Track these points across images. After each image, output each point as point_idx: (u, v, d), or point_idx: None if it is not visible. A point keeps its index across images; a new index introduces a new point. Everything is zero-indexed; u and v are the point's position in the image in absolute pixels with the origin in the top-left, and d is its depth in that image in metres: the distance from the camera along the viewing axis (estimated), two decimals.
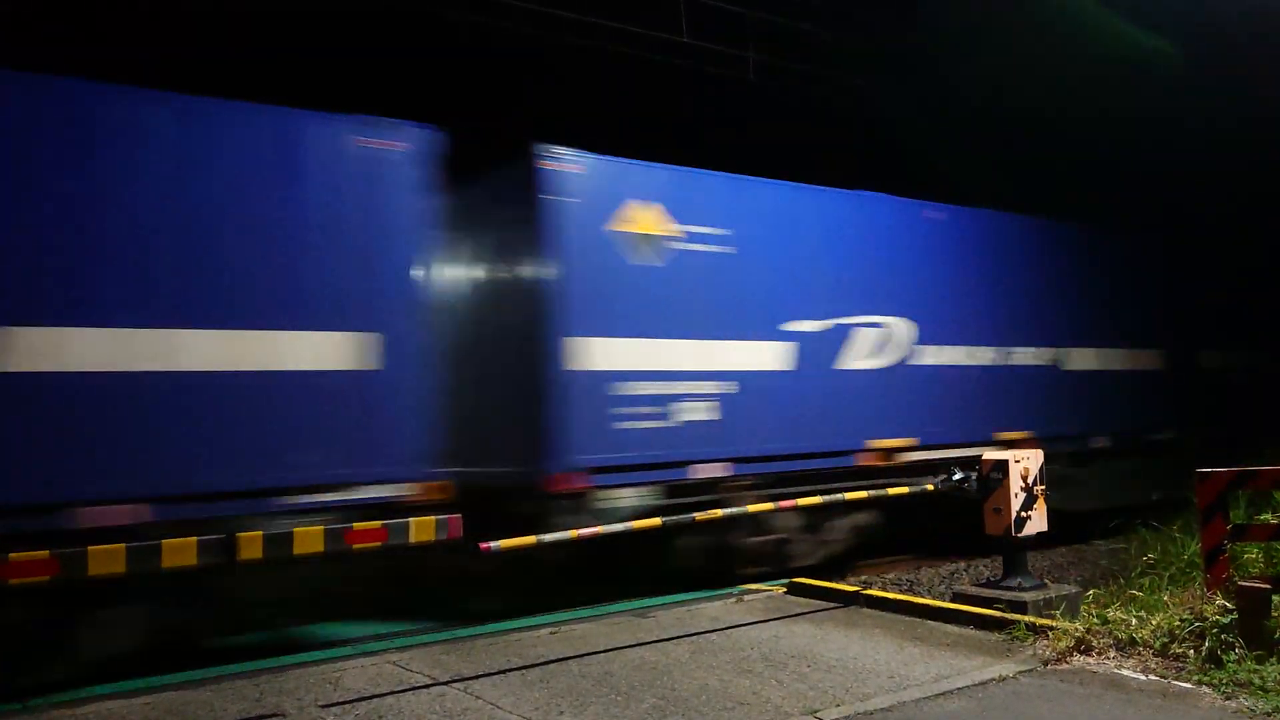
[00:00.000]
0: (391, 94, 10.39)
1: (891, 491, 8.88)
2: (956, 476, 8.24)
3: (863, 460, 10.39)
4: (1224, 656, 5.87)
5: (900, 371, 10.81)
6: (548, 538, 6.90)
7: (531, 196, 8.68)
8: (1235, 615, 6.03)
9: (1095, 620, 6.74)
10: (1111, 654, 6.35)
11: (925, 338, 11.06)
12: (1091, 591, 7.77)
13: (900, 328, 10.86)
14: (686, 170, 9.56)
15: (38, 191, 6.37)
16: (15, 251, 6.28)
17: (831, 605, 8.30)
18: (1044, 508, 7.99)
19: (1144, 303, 13.88)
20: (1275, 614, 5.94)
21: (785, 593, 8.94)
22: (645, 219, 9.02)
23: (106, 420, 6.47)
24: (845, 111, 16.14)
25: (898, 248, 11.06)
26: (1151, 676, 5.94)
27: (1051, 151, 17.04)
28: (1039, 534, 8.02)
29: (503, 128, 9.50)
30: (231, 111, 7.09)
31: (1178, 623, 6.33)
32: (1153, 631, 6.38)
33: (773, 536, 9.76)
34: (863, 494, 8.92)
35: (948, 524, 10.36)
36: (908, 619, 7.72)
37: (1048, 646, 6.54)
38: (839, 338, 10.34)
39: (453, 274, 9.53)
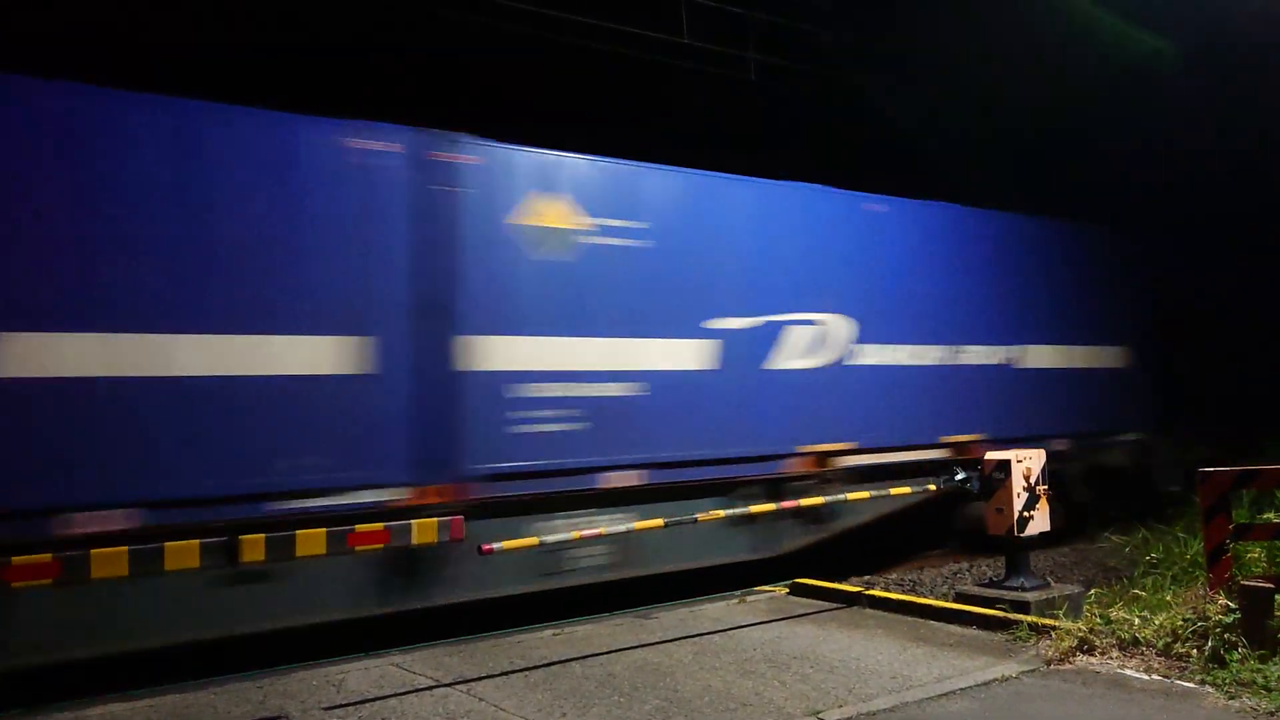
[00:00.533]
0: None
1: (894, 491, 8.88)
2: (959, 476, 8.23)
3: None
4: (1227, 656, 5.87)
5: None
6: (549, 539, 6.91)
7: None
8: (1238, 614, 6.03)
9: (1098, 620, 6.74)
10: (1114, 654, 6.35)
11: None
12: (1094, 591, 7.79)
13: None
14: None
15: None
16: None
17: (834, 606, 8.30)
18: (1046, 507, 7.99)
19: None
20: (1278, 613, 5.94)
21: (788, 593, 8.94)
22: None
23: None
24: (840, 106, 16.03)
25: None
26: (1154, 676, 5.94)
27: (1054, 151, 17.06)
28: (1041, 534, 8.01)
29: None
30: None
31: (1180, 622, 6.33)
32: (1155, 631, 6.38)
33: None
34: (865, 494, 8.92)
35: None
36: (910, 619, 7.72)
37: (1050, 646, 6.54)
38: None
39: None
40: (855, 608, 8.21)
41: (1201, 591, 6.67)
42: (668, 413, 9.08)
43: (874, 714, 5.51)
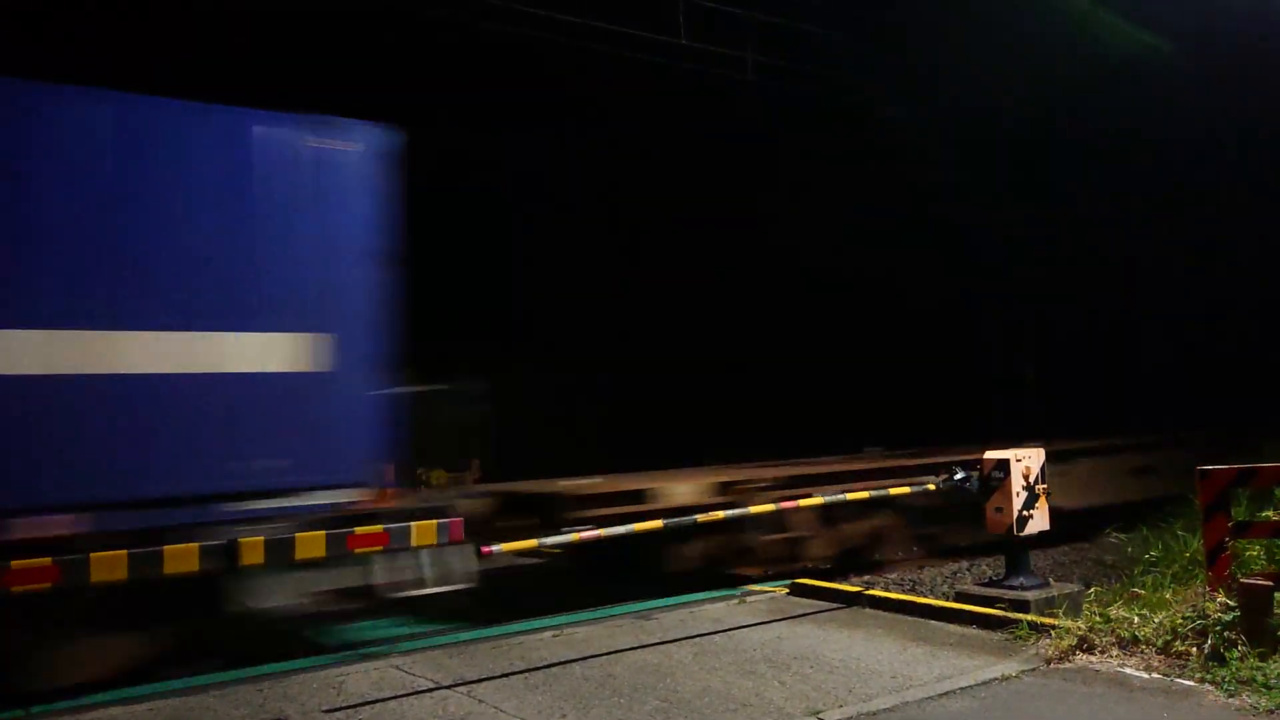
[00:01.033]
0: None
1: (893, 491, 8.88)
2: (958, 476, 8.23)
3: None
4: (1226, 654, 5.87)
5: None
6: (548, 540, 6.91)
7: None
8: (1237, 612, 6.03)
9: (1098, 619, 6.74)
10: (1114, 652, 6.35)
11: None
12: (1094, 590, 7.78)
13: None
14: None
15: None
16: None
17: (834, 606, 8.30)
18: (1046, 506, 7.99)
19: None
20: (1278, 611, 5.94)
21: (788, 593, 8.94)
22: None
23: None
24: None
25: None
26: (1154, 674, 5.94)
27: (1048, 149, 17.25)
28: (1041, 532, 8.01)
29: None
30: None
31: (1180, 620, 6.34)
32: (1155, 629, 6.38)
33: None
34: (864, 494, 8.92)
35: None
36: (910, 619, 7.72)
37: (1050, 645, 6.54)
38: None
39: None
40: (855, 607, 8.21)
41: (1201, 589, 6.67)
42: None
43: (874, 714, 5.51)
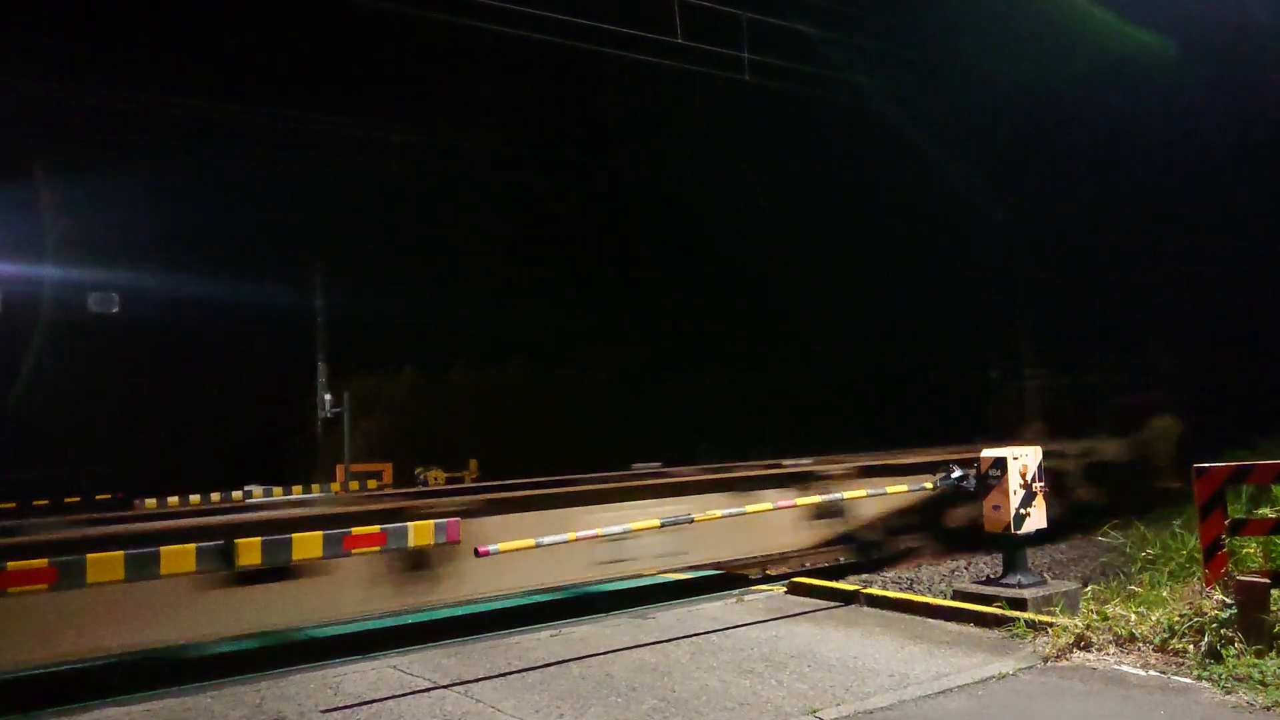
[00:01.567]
0: None
1: (890, 490, 8.88)
2: (955, 474, 8.23)
3: None
4: (1223, 651, 5.87)
5: None
6: (546, 540, 6.90)
7: None
8: (1234, 610, 6.03)
9: (1095, 616, 6.74)
10: (1111, 650, 6.35)
11: None
12: (1091, 588, 7.79)
13: None
14: None
15: None
16: None
17: (832, 604, 8.30)
18: (1044, 505, 7.99)
19: None
20: (1274, 608, 5.95)
21: (786, 592, 8.94)
22: None
23: None
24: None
25: None
26: (1151, 672, 5.94)
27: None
28: (1038, 530, 8.02)
29: None
30: None
31: (1177, 618, 6.34)
32: (1152, 627, 6.38)
33: None
34: (861, 493, 8.93)
35: None
36: (908, 617, 7.72)
37: (1047, 643, 6.54)
38: None
39: None
40: (853, 606, 8.21)
41: (1198, 587, 6.67)
42: None
43: (872, 712, 5.51)
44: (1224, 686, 5.54)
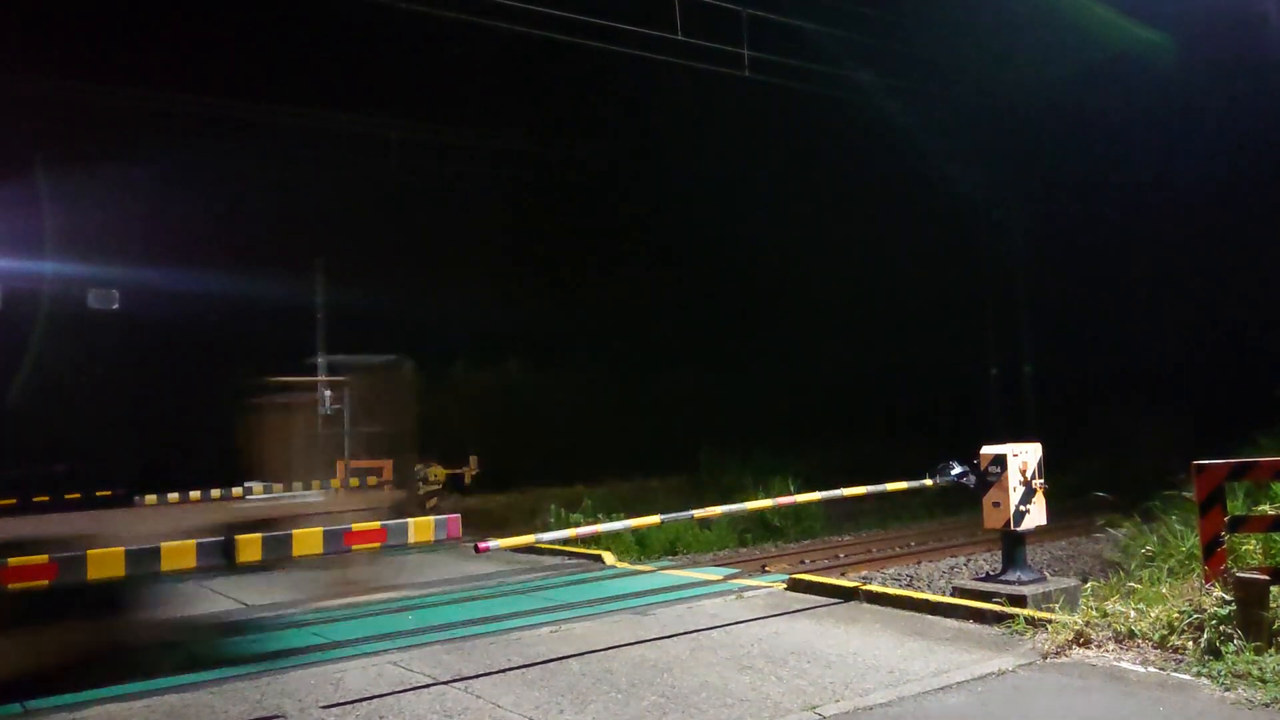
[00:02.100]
0: None
1: (890, 487, 8.88)
2: (954, 471, 8.23)
3: None
4: (1222, 648, 5.88)
5: None
6: (545, 536, 6.91)
7: None
8: (1234, 606, 6.03)
9: (1094, 613, 6.75)
10: (1110, 646, 6.36)
11: None
12: (1090, 584, 7.79)
13: None
14: None
15: None
16: None
17: (831, 601, 8.31)
18: (1043, 501, 8.00)
19: None
20: (1274, 605, 5.95)
21: (785, 589, 8.95)
22: None
23: None
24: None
25: None
26: (1150, 668, 5.95)
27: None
28: (1038, 527, 8.02)
29: None
30: None
31: (1176, 615, 6.34)
32: (1151, 624, 6.39)
33: None
34: (861, 490, 8.92)
35: None
36: (907, 614, 7.73)
37: (1047, 640, 6.55)
38: None
39: None
40: (852, 602, 8.22)
41: (1197, 584, 6.67)
42: None
43: (871, 708, 5.52)
44: (1223, 683, 5.54)
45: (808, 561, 11.46)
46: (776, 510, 13.48)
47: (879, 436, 19.73)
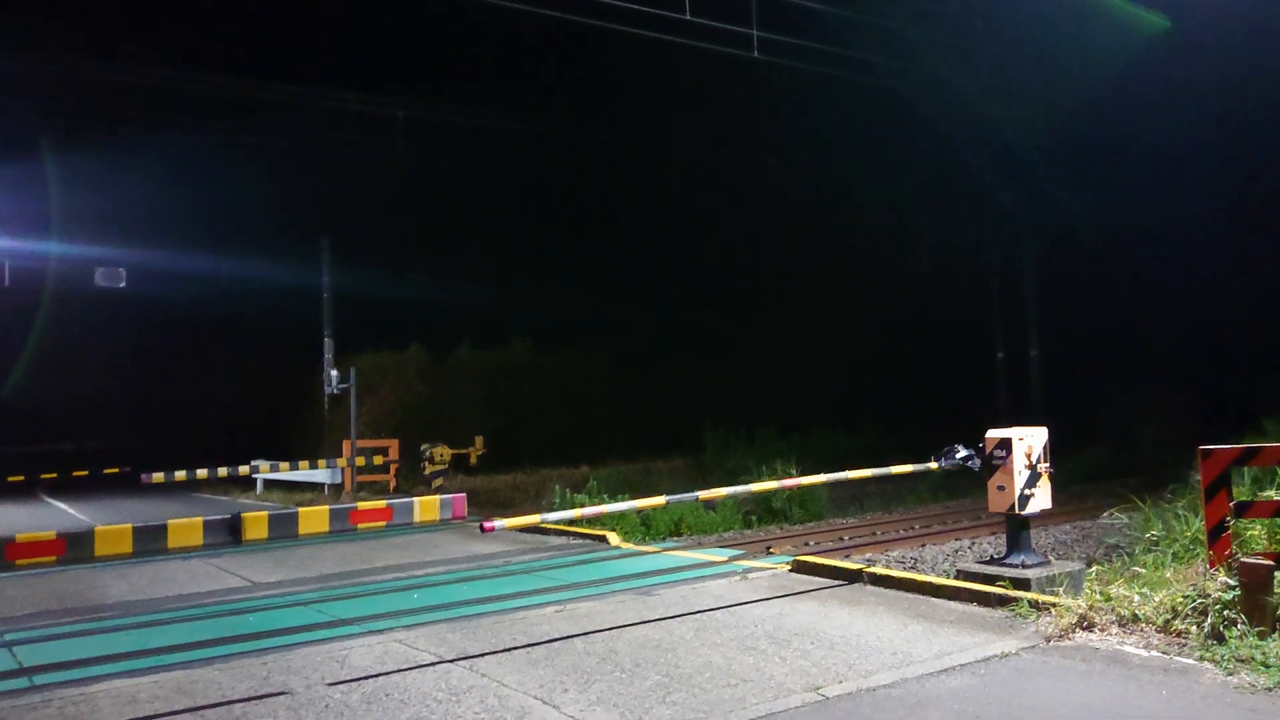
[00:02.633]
0: None
1: (895, 470, 8.89)
2: (960, 455, 8.23)
3: None
4: (1226, 633, 5.88)
5: None
6: (550, 516, 6.93)
7: None
8: (1238, 591, 6.03)
9: (1098, 597, 6.75)
10: (1114, 630, 6.37)
11: None
12: (1094, 568, 7.80)
13: None
14: None
15: None
16: None
17: (836, 583, 8.33)
18: (1048, 485, 8.00)
19: None
20: (1278, 590, 5.95)
21: (790, 570, 8.97)
22: None
23: None
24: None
25: None
26: (1153, 653, 5.96)
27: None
28: (1042, 511, 8.02)
29: None
30: None
31: (1180, 599, 6.34)
32: (1155, 608, 6.39)
33: None
34: (866, 473, 8.93)
35: None
36: (911, 596, 7.75)
37: (1050, 623, 6.56)
38: None
39: None
40: (856, 585, 8.24)
41: (1202, 569, 6.67)
42: None
43: (874, 689, 5.54)
44: (1226, 667, 5.55)
45: (812, 543, 11.48)
46: (781, 492, 13.51)
47: (884, 420, 19.74)
